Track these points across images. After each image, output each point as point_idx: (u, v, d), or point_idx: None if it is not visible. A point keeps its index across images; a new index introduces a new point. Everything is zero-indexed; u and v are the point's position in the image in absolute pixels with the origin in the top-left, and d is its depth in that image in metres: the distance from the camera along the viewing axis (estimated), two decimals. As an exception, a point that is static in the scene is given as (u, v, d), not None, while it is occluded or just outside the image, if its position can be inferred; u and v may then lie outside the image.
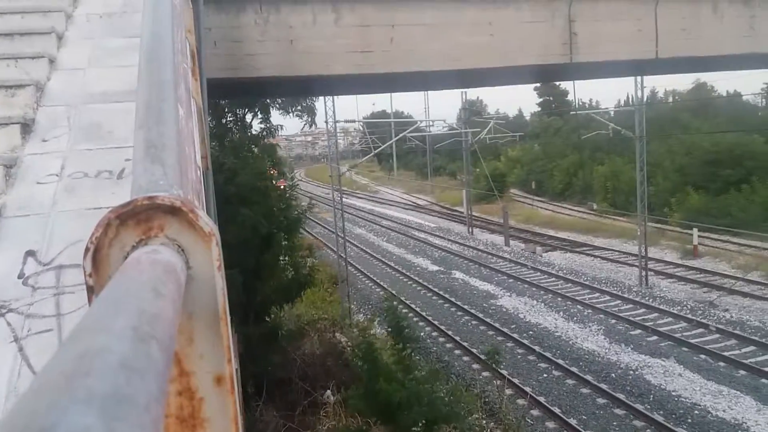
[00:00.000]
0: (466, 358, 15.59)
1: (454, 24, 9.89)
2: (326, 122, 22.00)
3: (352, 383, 11.32)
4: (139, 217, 0.90)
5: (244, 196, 12.94)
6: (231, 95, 16.14)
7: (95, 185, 2.55)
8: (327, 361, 14.23)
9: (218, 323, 0.93)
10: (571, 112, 47.40)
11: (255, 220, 12.64)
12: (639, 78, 23.53)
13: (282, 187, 16.35)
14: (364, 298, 22.56)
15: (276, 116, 20.16)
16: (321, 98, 21.60)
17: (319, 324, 16.96)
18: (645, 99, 27.19)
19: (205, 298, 0.93)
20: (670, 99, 52.69)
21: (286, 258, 14.10)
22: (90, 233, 0.88)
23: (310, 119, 23.82)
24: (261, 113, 18.69)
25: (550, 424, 11.92)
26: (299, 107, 22.61)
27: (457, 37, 10.05)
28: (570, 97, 56.93)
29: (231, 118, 19.05)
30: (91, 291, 0.88)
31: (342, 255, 20.42)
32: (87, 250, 0.87)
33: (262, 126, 18.61)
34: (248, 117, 18.90)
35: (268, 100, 19.47)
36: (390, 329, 10.45)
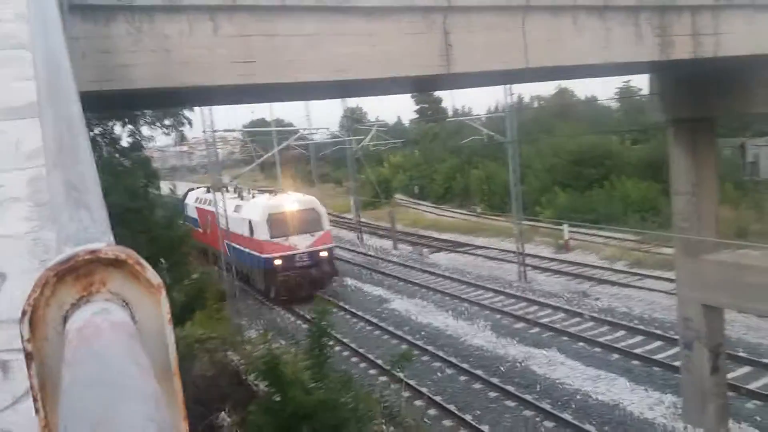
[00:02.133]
0: (363, 365, 15.70)
1: (336, 34, 9.95)
2: (203, 131, 21.24)
3: (249, 402, 11.01)
4: (79, 272, 0.85)
5: (119, 217, 12.24)
6: (103, 108, 15.18)
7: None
8: (220, 381, 13.74)
9: (171, 379, 0.89)
10: (447, 119, 49.21)
11: (134, 239, 12.00)
12: (508, 85, 24.94)
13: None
14: (255, 313, 22.03)
15: (146, 129, 19.21)
16: (196, 108, 20.87)
17: (208, 344, 16.31)
18: (513, 105, 28.84)
19: (156, 353, 0.88)
20: (536, 104, 56.26)
21: (170, 279, 13.46)
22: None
23: (179, 133, 22.88)
24: (131, 125, 17.73)
25: (448, 422, 12.29)
26: (167, 122, 21.61)
27: (339, 47, 10.11)
28: (445, 104, 59.07)
29: (98, 131, 17.91)
30: (30, 358, 0.81)
31: (229, 270, 19.82)
32: (24, 313, 0.80)
33: (132, 139, 17.67)
34: (117, 129, 17.88)
35: (136, 113, 18.51)
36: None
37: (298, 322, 20.09)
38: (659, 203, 27.11)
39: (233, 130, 40.29)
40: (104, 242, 0.94)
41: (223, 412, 12.02)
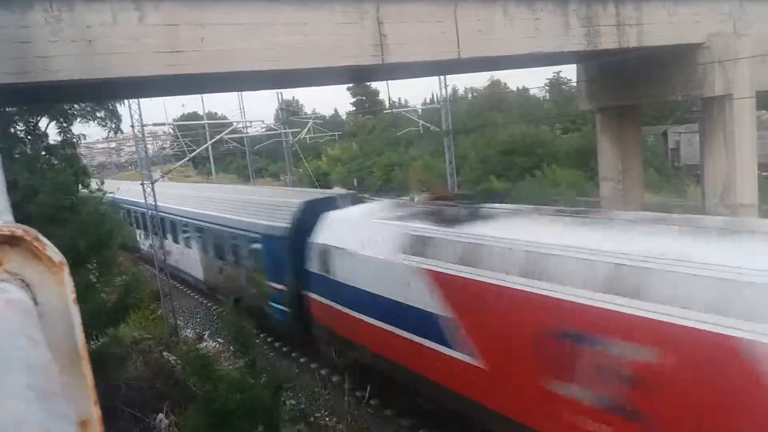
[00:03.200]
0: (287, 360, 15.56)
1: (269, 24, 9.79)
2: (132, 126, 20.47)
3: (188, 402, 10.75)
4: (-29, 251, 0.78)
5: (50, 216, 11.70)
6: (22, 101, 14.41)
7: None
8: (156, 383, 13.35)
9: (79, 362, 0.83)
10: (384, 111, 49.38)
11: (72, 238, 11.50)
12: (443, 77, 25.26)
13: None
14: (190, 312, 21.49)
15: (77, 124, 18.35)
16: (125, 102, 20.10)
17: (142, 344, 15.82)
18: (448, 97, 29.21)
19: (61, 335, 0.82)
20: (470, 96, 57.23)
21: (99, 278, 12.93)
22: None
23: (114, 125, 22.00)
24: (62, 121, 16.89)
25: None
26: (100, 114, 20.78)
27: (271, 37, 9.95)
28: (381, 96, 59.26)
29: (21, 128, 16.97)
30: None
31: (162, 268, 19.25)
32: None
33: (62, 136, 16.84)
34: (42, 125, 17.00)
35: (66, 106, 17.66)
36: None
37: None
38: (587, 190, 28.11)
39: (163, 124, 39.11)
40: None
41: (160, 414, 11.69)
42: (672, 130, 35.81)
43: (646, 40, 13.38)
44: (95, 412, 0.84)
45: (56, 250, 0.83)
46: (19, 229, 0.81)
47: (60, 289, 0.83)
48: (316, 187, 35.14)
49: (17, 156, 14.54)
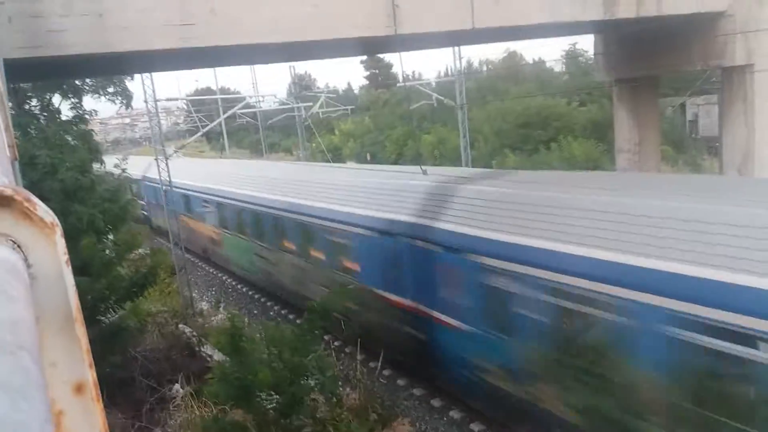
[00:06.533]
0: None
1: (279, -5, 9.68)
2: (146, 102, 20.47)
3: (203, 373, 10.91)
4: (-41, 212, 0.76)
5: (70, 192, 11.83)
6: (35, 77, 14.47)
7: None
8: (172, 354, 13.58)
9: (72, 325, 0.82)
10: (398, 84, 48.94)
11: (91, 214, 11.63)
12: (457, 49, 24.92)
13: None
14: (206, 285, 21.74)
15: (88, 99, 18.43)
16: (138, 78, 20.10)
17: (159, 317, 16.06)
18: (463, 69, 28.87)
19: (54, 298, 0.81)
20: (485, 68, 56.50)
21: (114, 252, 13.07)
22: None
23: (125, 101, 22.04)
24: (72, 97, 16.95)
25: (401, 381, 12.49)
26: (112, 89, 20.81)
27: (281, 7, 9.85)
28: (395, 70, 58.70)
29: (36, 104, 17.05)
30: None
31: (177, 242, 19.42)
32: None
33: (74, 112, 16.91)
34: (56, 101, 17.07)
35: (78, 82, 17.70)
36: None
37: (250, 292, 19.95)
38: (603, 162, 27.80)
39: (177, 99, 39.12)
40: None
41: (176, 384, 11.91)
42: (690, 102, 35.17)
43: (665, 9, 13.05)
44: (90, 375, 0.83)
45: (48, 210, 0.81)
46: (9, 189, 0.79)
47: (52, 250, 0.81)
48: (328, 163, 34.96)
49: (33, 131, 14.63)
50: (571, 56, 45.11)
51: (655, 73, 17.11)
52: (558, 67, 50.42)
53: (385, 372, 12.70)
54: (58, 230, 0.81)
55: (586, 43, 54.64)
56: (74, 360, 0.81)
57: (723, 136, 15.65)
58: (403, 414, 11.22)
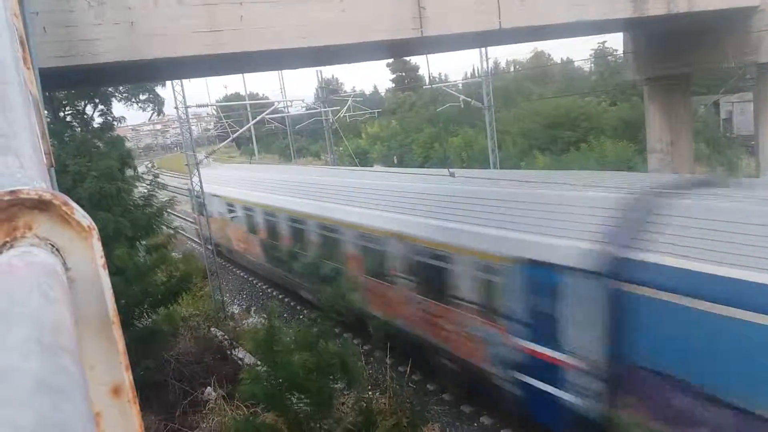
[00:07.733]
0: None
1: (305, 0, 9.74)
2: (176, 108, 20.79)
3: (235, 376, 11.01)
4: (0, 216, 0.77)
5: (96, 202, 12.10)
6: (68, 85, 14.80)
7: None
8: (204, 358, 13.73)
9: (109, 327, 0.83)
10: (424, 87, 48.87)
11: (118, 222, 11.86)
12: (483, 50, 24.79)
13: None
14: (236, 289, 21.96)
15: (119, 107, 18.93)
16: (169, 84, 20.46)
17: (191, 321, 16.27)
18: (490, 70, 28.70)
19: (91, 300, 0.82)
20: (512, 69, 56.08)
21: (147, 257, 13.28)
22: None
23: (156, 108, 22.47)
24: (102, 104, 17.35)
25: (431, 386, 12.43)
26: (142, 97, 21.24)
27: (308, 13, 9.91)
28: (421, 72, 58.66)
29: (69, 112, 17.49)
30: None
31: (209, 247, 19.67)
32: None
33: (104, 119, 17.32)
34: (89, 109, 17.48)
35: (109, 90, 18.10)
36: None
37: (281, 296, 20.09)
38: (635, 163, 27.32)
39: (206, 105, 39.67)
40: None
41: (209, 387, 12.04)
42: (724, 100, 34.38)
43: (697, 5, 12.79)
44: (127, 378, 0.83)
45: (85, 214, 0.82)
46: (48, 194, 0.80)
47: (89, 253, 0.82)
48: (356, 166, 34.96)
49: (67, 139, 14.99)
50: (600, 55, 44.51)
51: (686, 71, 16.76)
52: (587, 67, 49.84)
53: (414, 377, 12.66)
54: (95, 234, 0.82)
55: (616, 42, 53.88)
56: (111, 362, 0.81)
57: (759, 135, 15.26)
58: (433, 419, 11.17)
